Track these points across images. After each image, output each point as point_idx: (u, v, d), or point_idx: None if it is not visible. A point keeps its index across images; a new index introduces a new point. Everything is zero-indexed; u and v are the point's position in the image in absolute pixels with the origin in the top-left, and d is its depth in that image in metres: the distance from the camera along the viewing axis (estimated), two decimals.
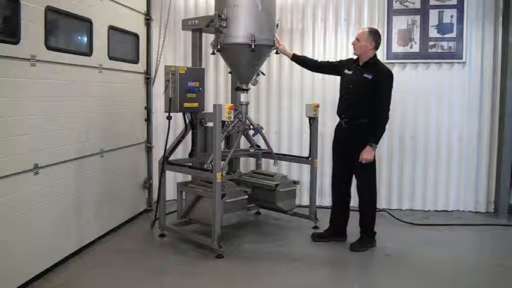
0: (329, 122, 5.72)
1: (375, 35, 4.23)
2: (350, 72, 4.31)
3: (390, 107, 4.23)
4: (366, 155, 4.13)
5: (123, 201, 4.89)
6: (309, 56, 5.32)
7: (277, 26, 4.74)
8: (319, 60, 4.80)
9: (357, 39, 4.24)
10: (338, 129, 4.44)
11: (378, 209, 4.55)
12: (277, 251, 4.25)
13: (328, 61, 4.79)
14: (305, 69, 4.93)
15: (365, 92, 4.18)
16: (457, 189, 5.67)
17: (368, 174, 4.30)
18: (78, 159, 4.00)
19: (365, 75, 4.18)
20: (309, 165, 4.98)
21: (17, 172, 3.21)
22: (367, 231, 4.35)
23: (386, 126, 4.22)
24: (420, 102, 5.63)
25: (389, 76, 4.21)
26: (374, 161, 4.25)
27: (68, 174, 3.86)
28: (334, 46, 5.75)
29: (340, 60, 4.64)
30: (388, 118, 4.20)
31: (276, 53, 4.80)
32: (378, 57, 5.56)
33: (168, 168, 4.56)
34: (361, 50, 4.23)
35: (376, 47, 4.26)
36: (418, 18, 5.55)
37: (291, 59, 4.73)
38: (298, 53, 4.93)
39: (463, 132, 5.60)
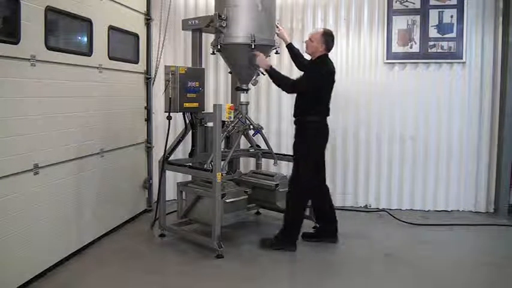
0: (329, 121, 5.75)
1: (328, 37, 4.25)
2: None
3: (317, 106, 4.22)
4: (259, 57, 4.25)
5: (123, 201, 4.89)
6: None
7: (277, 26, 4.74)
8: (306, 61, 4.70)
9: (310, 39, 4.29)
10: None
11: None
12: (277, 251, 4.25)
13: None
14: None
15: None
16: (457, 189, 5.67)
17: (302, 170, 4.27)
18: (78, 159, 4.00)
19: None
20: None
21: (17, 172, 3.21)
22: (285, 232, 4.26)
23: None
24: (420, 102, 5.64)
25: (314, 70, 4.26)
26: (309, 157, 4.25)
27: (68, 174, 3.86)
28: (334, 46, 5.74)
29: None
30: (287, 86, 4.28)
31: (276, 53, 4.80)
32: (378, 56, 5.67)
33: (168, 168, 4.56)
34: (311, 49, 4.30)
35: (328, 49, 4.28)
36: (418, 18, 5.55)
37: (286, 46, 4.73)
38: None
39: (463, 132, 5.60)
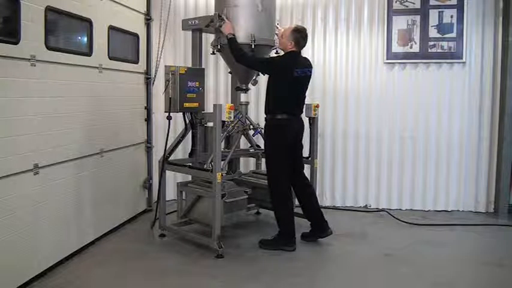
0: (329, 121, 5.76)
1: (298, 34, 4.21)
2: None
3: (276, 102, 4.26)
4: (226, 24, 4.28)
5: (123, 201, 4.89)
6: (309, 55, 5.33)
7: (277, 26, 4.73)
8: None
9: (281, 35, 4.30)
10: None
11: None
12: (277, 251, 4.24)
13: None
14: None
15: (268, 84, 4.31)
16: (457, 189, 5.67)
17: (269, 169, 4.32)
18: (78, 159, 4.00)
19: None
20: (309, 165, 4.97)
21: (17, 172, 3.21)
22: (280, 231, 4.30)
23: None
24: (420, 102, 5.63)
25: (272, 58, 4.37)
26: (273, 155, 4.29)
27: (68, 174, 3.86)
28: (334, 46, 5.76)
29: None
30: (244, 56, 4.24)
31: (276, 52, 4.79)
32: (378, 56, 5.67)
33: (168, 168, 4.56)
34: (281, 45, 4.34)
35: (297, 46, 4.24)
36: (418, 18, 5.55)
37: None
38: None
39: (463, 132, 5.60)
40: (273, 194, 4.33)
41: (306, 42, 4.33)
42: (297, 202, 4.66)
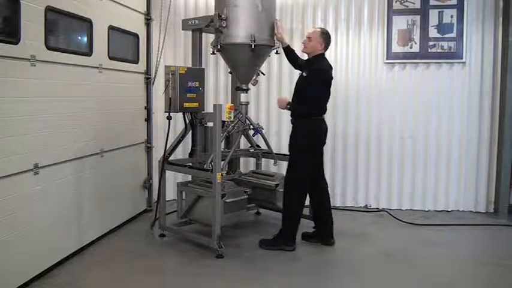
0: (328, 121, 5.75)
1: (325, 36, 4.25)
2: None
3: (315, 104, 4.22)
4: (281, 100, 4.32)
5: (123, 201, 4.89)
6: None
7: (276, 23, 4.71)
8: (300, 59, 4.68)
9: (308, 38, 4.27)
10: None
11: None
12: (277, 251, 4.24)
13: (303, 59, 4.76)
14: None
15: (300, 88, 4.27)
16: (457, 189, 5.67)
17: (291, 171, 4.29)
18: (78, 159, 4.00)
19: (304, 72, 4.27)
20: None
21: (17, 172, 3.21)
22: (282, 231, 4.30)
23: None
24: (420, 102, 5.64)
25: (318, 73, 4.23)
26: (301, 162, 4.23)
27: (68, 174, 3.86)
28: (334, 46, 5.74)
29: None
30: (305, 110, 4.22)
31: (276, 52, 4.79)
32: (378, 56, 5.67)
33: (168, 168, 4.56)
34: (311, 49, 4.28)
35: (326, 48, 4.28)
36: (418, 18, 5.55)
37: (283, 48, 4.58)
38: (298, 53, 4.90)
39: (463, 133, 5.60)
40: (291, 193, 4.27)
41: (330, 44, 4.37)
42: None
